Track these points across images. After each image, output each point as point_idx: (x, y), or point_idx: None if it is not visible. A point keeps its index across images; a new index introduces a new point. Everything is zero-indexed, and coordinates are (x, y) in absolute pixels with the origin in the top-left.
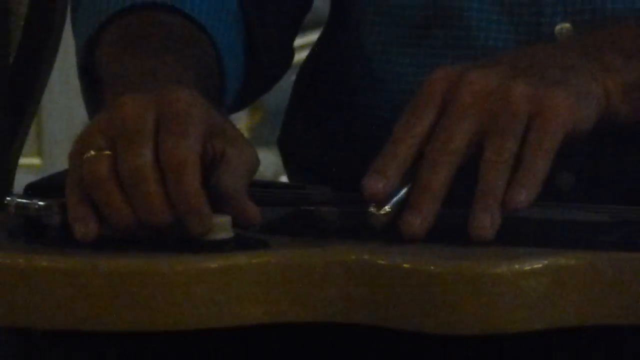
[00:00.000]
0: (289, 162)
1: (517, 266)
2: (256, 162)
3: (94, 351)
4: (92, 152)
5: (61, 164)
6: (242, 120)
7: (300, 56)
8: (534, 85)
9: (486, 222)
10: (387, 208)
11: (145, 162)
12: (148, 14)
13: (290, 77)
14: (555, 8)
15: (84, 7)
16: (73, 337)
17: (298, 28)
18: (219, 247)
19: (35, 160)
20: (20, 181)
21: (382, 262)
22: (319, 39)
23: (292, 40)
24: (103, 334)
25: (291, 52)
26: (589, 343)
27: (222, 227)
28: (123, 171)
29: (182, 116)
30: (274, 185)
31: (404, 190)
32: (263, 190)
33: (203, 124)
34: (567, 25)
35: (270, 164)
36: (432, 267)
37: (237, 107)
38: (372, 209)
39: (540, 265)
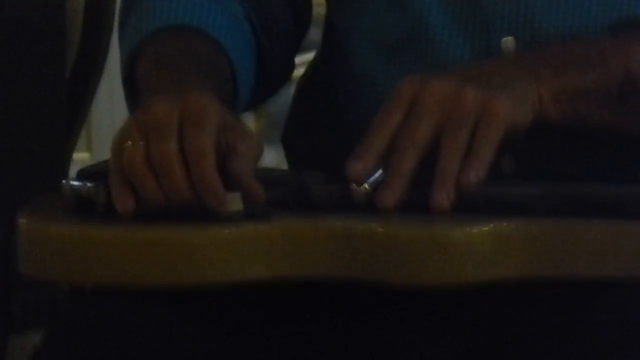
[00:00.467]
0: (290, 156)
1: (467, 230)
2: (261, 151)
3: (133, 304)
4: (129, 143)
5: (107, 157)
6: (249, 123)
7: (299, 71)
8: (482, 90)
9: (443, 197)
10: (365, 186)
11: (171, 150)
12: (179, 34)
13: (290, 87)
14: (501, 24)
15: (129, 27)
16: (116, 293)
17: (298, 48)
18: (231, 217)
19: (85, 155)
20: (73, 173)
21: (361, 228)
22: (315, 56)
23: (294, 57)
24: (140, 291)
25: (292, 67)
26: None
27: (234, 201)
28: (154, 158)
29: (200, 114)
30: (275, 170)
31: (379, 173)
32: (267, 174)
33: (217, 121)
34: (510, 38)
35: (273, 160)
36: (400, 231)
37: (247, 109)
38: (354, 187)
39: (485, 229)
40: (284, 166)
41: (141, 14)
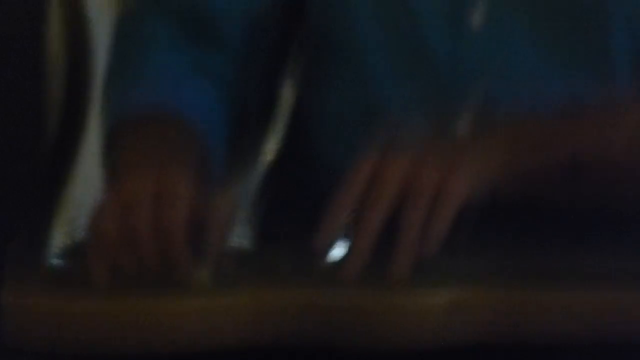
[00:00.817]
0: (257, 233)
1: (424, 298)
2: (232, 225)
3: None
4: (106, 217)
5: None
6: None
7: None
8: (439, 169)
9: (402, 267)
10: (328, 257)
11: (142, 225)
12: (150, 117)
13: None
14: (459, 102)
15: (111, 102)
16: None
17: (268, 133)
18: (200, 287)
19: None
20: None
21: (325, 297)
22: (280, 143)
23: (263, 141)
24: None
25: (262, 149)
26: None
27: (205, 275)
28: (127, 232)
29: (173, 190)
30: (244, 246)
31: (342, 244)
32: (236, 248)
33: (188, 196)
34: (467, 116)
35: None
36: (362, 300)
37: (225, 186)
38: (317, 258)
39: (442, 297)
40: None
41: (119, 96)
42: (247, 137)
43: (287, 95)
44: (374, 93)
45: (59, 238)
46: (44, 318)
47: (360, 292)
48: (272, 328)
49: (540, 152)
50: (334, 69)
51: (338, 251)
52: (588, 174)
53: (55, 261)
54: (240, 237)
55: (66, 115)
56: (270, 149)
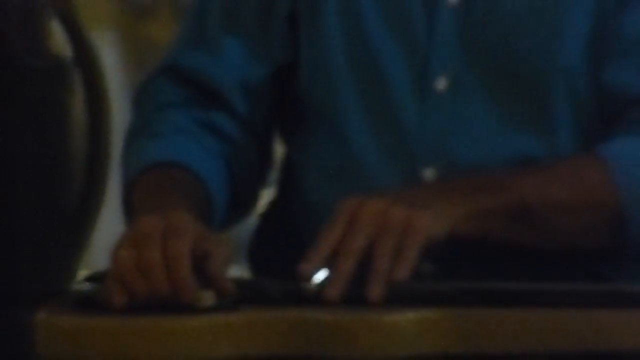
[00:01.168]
0: (253, 268)
1: (395, 316)
2: (231, 256)
3: None
4: (123, 252)
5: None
6: None
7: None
8: (406, 209)
9: (376, 290)
10: (312, 283)
11: (154, 257)
12: (165, 168)
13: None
14: (424, 157)
15: (127, 161)
16: None
17: (264, 182)
18: (204, 310)
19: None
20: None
21: (311, 316)
22: (276, 191)
23: (259, 189)
24: None
25: (258, 197)
26: None
27: (208, 297)
28: (141, 263)
29: (179, 228)
30: (241, 278)
31: (325, 273)
32: (235, 279)
33: (192, 232)
34: (430, 169)
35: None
36: (343, 318)
37: (222, 228)
38: (304, 283)
39: (411, 316)
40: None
41: (137, 150)
42: (245, 184)
43: (279, 149)
44: (350, 149)
45: (84, 269)
46: (69, 333)
47: (340, 312)
48: (264, 342)
49: (493, 198)
50: (316, 128)
51: (321, 276)
52: (536, 222)
53: (81, 287)
54: (239, 269)
55: (90, 167)
56: (266, 194)
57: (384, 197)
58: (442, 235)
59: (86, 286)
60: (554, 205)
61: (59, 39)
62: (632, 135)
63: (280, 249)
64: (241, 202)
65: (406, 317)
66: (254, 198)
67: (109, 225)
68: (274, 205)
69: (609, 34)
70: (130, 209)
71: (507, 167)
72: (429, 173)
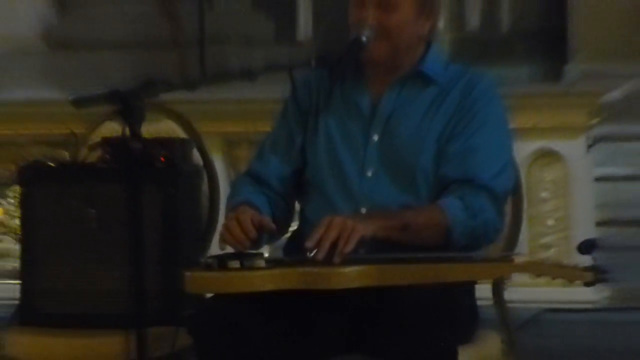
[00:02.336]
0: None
1: (348, 268)
2: (273, 226)
3: (232, 301)
4: (222, 231)
5: None
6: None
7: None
8: (354, 222)
9: (337, 257)
10: (311, 253)
11: (232, 226)
12: (243, 203)
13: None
14: (362, 201)
15: (230, 199)
16: (223, 297)
17: (291, 220)
18: (259, 268)
19: None
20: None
21: (309, 270)
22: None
23: (289, 223)
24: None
25: (288, 226)
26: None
27: (260, 258)
28: (227, 230)
29: (244, 210)
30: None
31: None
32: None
33: (250, 211)
34: (364, 209)
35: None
36: (323, 270)
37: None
38: (308, 253)
39: (355, 268)
40: None
41: (233, 194)
42: (279, 220)
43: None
44: (327, 202)
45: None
46: (202, 281)
47: (322, 267)
48: (287, 282)
49: (392, 221)
50: (312, 194)
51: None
52: (411, 232)
53: (207, 261)
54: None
55: (210, 210)
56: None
57: (345, 216)
58: (369, 236)
59: (210, 259)
60: (418, 225)
61: (195, 155)
62: (452, 196)
63: (296, 248)
64: (278, 227)
65: (353, 269)
66: (284, 228)
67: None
68: (295, 232)
69: (443, 151)
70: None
71: (398, 209)
72: (363, 210)
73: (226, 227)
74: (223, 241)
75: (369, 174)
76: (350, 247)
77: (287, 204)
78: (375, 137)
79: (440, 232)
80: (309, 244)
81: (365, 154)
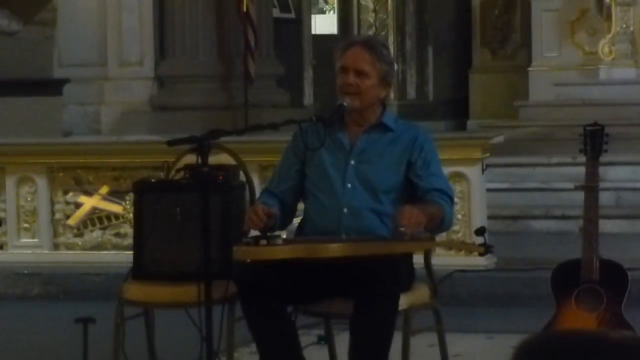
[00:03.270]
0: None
1: (332, 244)
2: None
3: (264, 267)
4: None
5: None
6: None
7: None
8: (420, 212)
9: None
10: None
11: (252, 213)
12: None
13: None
14: (344, 205)
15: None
16: (260, 263)
17: (294, 215)
18: (278, 245)
19: None
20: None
21: (310, 246)
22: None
23: (292, 217)
24: (266, 263)
25: (292, 219)
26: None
27: (277, 238)
28: (248, 215)
29: (258, 205)
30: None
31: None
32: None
33: (262, 205)
34: (345, 209)
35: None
36: (320, 245)
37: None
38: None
39: (337, 244)
40: None
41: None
42: (286, 214)
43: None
44: (322, 207)
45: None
46: (245, 253)
47: (318, 244)
48: (295, 253)
49: (427, 213)
50: (310, 199)
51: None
52: (433, 220)
53: (247, 240)
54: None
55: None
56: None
57: (411, 207)
58: (424, 220)
59: (247, 239)
60: (434, 216)
61: (241, 176)
62: (440, 200)
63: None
64: (286, 220)
65: (336, 245)
66: (289, 220)
67: None
68: (300, 223)
69: (418, 171)
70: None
71: (424, 205)
72: (345, 210)
73: (248, 215)
74: (246, 224)
75: (349, 186)
76: (419, 228)
77: (290, 207)
78: (353, 162)
79: (440, 223)
80: (402, 223)
81: (345, 173)
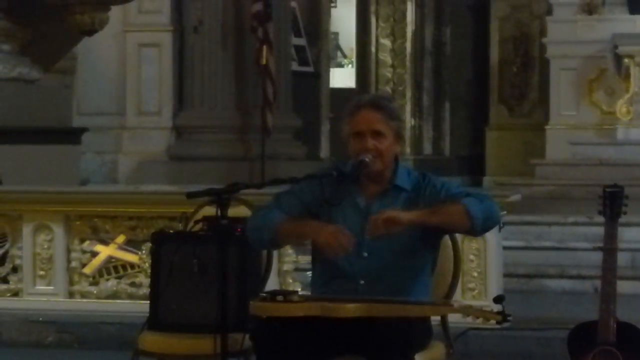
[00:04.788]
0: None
1: (350, 304)
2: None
3: (280, 323)
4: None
5: None
6: None
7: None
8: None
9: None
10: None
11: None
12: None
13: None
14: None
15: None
16: (275, 319)
17: None
18: (294, 302)
19: None
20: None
21: (327, 305)
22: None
23: None
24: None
25: None
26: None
27: (293, 294)
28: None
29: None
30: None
31: None
32: None
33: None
34: (362, 281)
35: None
36: (336, 305)
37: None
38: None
39: (353, 304)
40: None
41: (272, 216)
42: None
43: None
44: (335, 270)
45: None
46: (261, 308)
47: (333, 303)
48: (312, 311)
49: (423, 211)
50: (321, 262)
51: None
52: (441, 215)
53: (263, 295)
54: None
55: (266, 263)
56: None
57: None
58: (407, 219)
59: (265, 294)
60: (443, 210)
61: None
62: (468, 200)
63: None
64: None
65: (353, 305)
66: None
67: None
68: (313, 281)
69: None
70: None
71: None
72: (362, 282)
73: (335, 237)
74: (335, 251)
75: (365, 255)
76: (391, 225)
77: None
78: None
79: (461, 213)
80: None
81: (362, 241)
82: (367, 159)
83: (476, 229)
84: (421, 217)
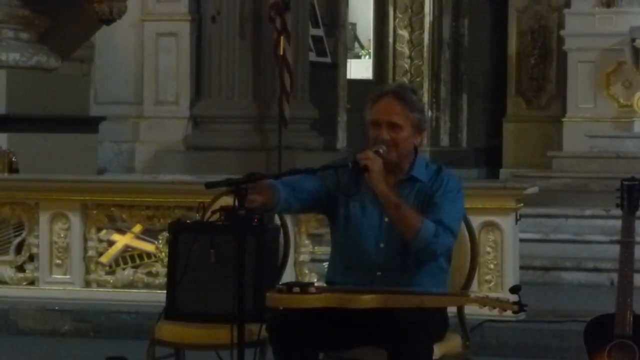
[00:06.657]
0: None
1: (366, 294)
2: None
3: (293, 314)
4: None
5: None
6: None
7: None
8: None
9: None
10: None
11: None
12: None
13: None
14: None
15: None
16: (290, 310)
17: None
18: (311, 293)
19: None
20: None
21: (343, 296)
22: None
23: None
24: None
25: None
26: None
27: (309, 285)
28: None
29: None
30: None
31: None
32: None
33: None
34: (379, 273)
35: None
36: (348, 295)
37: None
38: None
39: (369, 295)
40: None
41: None
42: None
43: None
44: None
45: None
46: (278, 299)
47: (349, 294)
48: (328, 302)
49: (395, 197)
50: (338, 250)
51: None
52: (399, 214)
53: (280, 286)
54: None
55: (284, 253)
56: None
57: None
58: (376, 169)
59: (285, 285)
60: (406, 214)
61: (276, 218)
62: (430, 225)
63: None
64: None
65: (369, 296)
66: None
67: None
68: (329, 270)
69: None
70: None
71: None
72: (378, 274)
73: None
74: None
75: (382, 245)
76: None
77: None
78: (387, 219)
79: (412, 230)
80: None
81: (380, 230)
82: (381, 150)
83: (411, 247)
84: (385, 199)
